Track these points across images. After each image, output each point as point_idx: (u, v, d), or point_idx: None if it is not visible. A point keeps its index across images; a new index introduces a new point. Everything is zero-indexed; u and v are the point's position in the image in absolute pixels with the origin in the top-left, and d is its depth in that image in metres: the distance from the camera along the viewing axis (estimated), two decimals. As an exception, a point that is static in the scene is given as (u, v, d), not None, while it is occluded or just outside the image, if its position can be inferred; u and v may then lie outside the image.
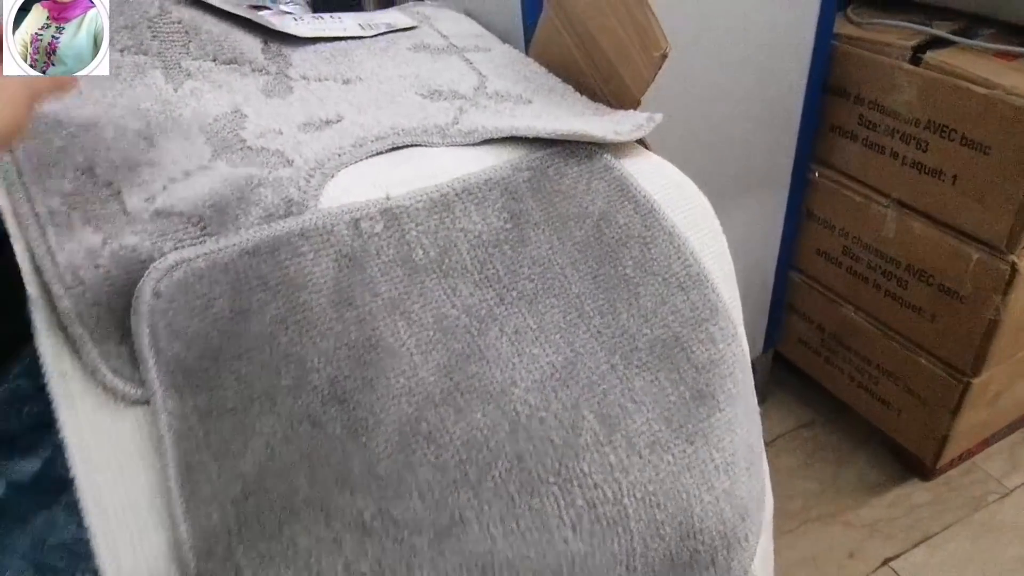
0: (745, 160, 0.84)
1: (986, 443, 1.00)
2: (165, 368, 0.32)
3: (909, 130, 0.75)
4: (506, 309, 0.38)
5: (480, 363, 0.36)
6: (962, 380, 0.80)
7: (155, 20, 0.46)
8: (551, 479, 0.34)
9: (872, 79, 0.77)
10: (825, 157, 0.87)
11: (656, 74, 0.48)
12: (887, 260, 0.83)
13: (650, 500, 0.36)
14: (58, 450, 0.30)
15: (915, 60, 0.73)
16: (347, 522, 0.31)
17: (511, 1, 0.64)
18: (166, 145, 0.40)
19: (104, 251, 0.34)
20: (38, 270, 0.33)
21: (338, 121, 0.45)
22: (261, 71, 0.49)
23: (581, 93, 0.53)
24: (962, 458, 0.99)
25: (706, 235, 0.45)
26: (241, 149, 0.41)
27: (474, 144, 0.45)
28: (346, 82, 0.50)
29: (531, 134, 0.43)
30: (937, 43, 0.74)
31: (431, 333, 0.36)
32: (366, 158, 0.43)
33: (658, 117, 0.47)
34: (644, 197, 0.43)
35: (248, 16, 0.50)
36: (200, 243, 0.35)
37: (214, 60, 0.47)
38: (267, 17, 0.52)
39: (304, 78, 0.50)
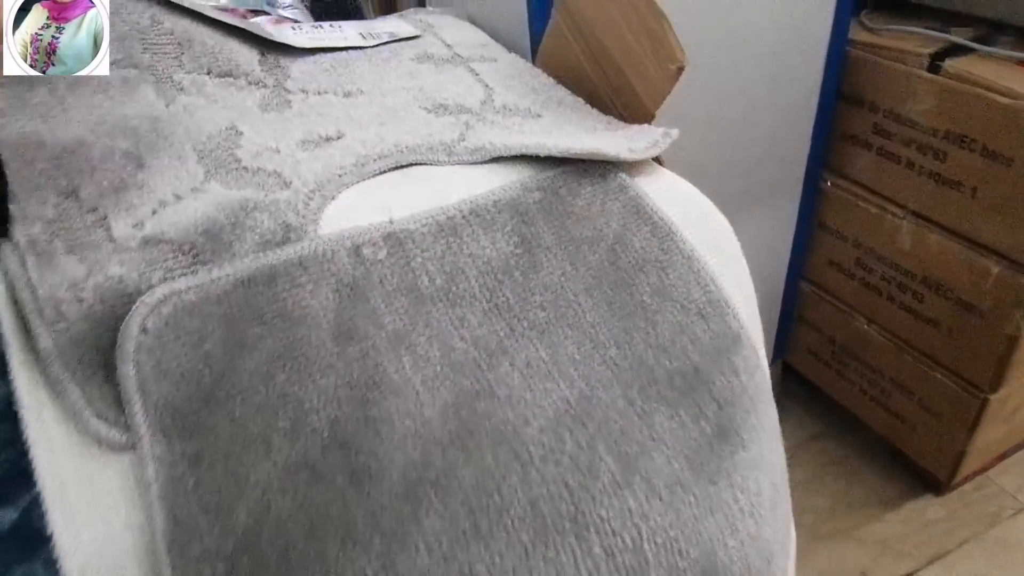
0: (756, 168, 0.82)
1: (1000, 457, 0.98)
2: (153, 411, 0.30)
3: (927, 140, 0.73)
4: (517, 340, 0.36)
5: (490, 400, 0.34)
6: (979, 396, 0.78)
7: (146, 31, 0.44)
8: (567, 526, 0.32)
9: (888, 87, 0.75)
10: (837, 166, 0.85)
11: (672, 88, 0.46)
12: (902, 273, 0.81)
13: (671, 546, 0.33)
14: (37, 500, 0.28)
15: (934, 68, 0.70)
16: (349, 579, 0.29)
17: (517, 8, 0.62)
18: (156, 166, 0.38)
19: (88, 283, 0.32)
20: (15, 303, 0.31)
21: (338, 138, 0.43)
22: (258, 84, 0.47)
23: (591, 105, 0.51)
24: (976, 472, 0.97)
25: (726, 258, 0.42)
26: (236, 169, 0.39)
27: (482, 162, 0.42)
28: (347, 95, 0.47)
29: (542, 152, 0.41)
30: (955, 50, 0.71)
31: (438, 368, 0.34)
32: (368, 178, 0.40)
33: (674, 133, 0.45)
34: (661, 219, 0.41)
35: (244, 26, 0.48)
36: (191, 273, 0.33)
37: (208, 73, 0.45)
38: (264, 27, 0.50)
39: (303, 91, 0.47)
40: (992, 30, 0.73)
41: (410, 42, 0.56)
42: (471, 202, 0.39)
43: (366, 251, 0.36)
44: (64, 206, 0.34)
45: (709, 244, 0.42)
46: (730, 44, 0.70)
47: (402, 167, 0.42)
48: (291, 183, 0.38)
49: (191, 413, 0.30)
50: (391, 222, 0.37)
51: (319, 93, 0.47)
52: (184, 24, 0.45)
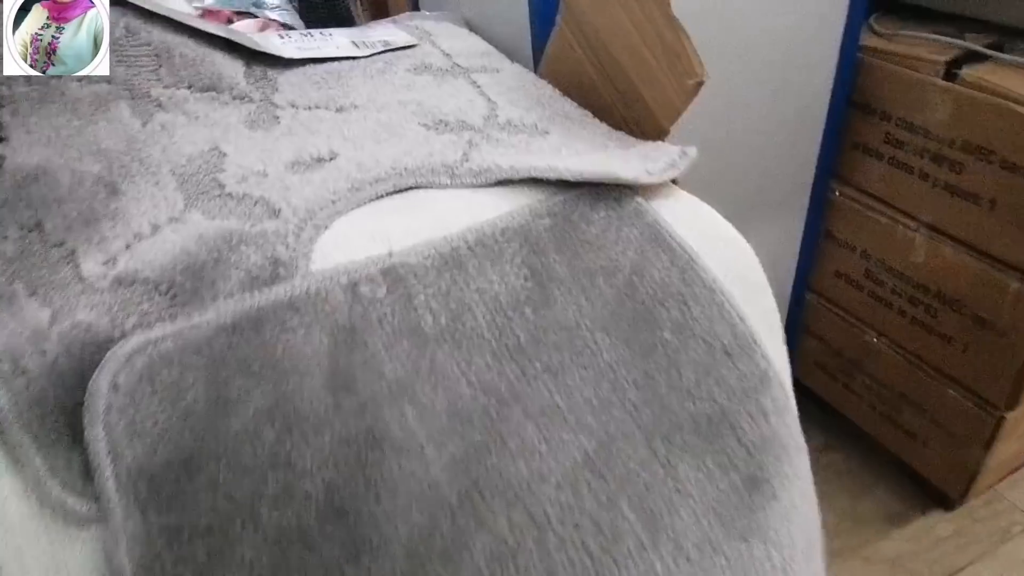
0: (762, 176, 0.79)
1: (1011, 471, 0.96)
2: (126, 479, 0.26)
3: (941, 150, 0.70)
4: (529, 385, 0.33)
5: (502, 455, 0.31)
6: (995, 414, 0.76)
7: (120, 42, 0.40)
8: (589, 597, 0.29)
9: (901, 95, 0.72)
10: (847, 175, 0.82)
11: (689, 104, 0.43)
12: (915, 286, 0.78)
13: (702, 614, 0.31)
14: (-6, 582, 0.25)
15: (950, 76, 0.68)
16: (348, 668, 0.25)
17: (518, 12, 0.59)
18: (131, 193, 0.34)
19: (52, 332, 0.28)
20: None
21: (331, 159, 0.39)
22: (243, 98, 0.43)
23: (599, 118, 0.48)
24: (985, 487, 0.95)
25: (751, 289, 0.39)
26: (219, 196, 0.35)
27: (487, 185, 0.39)
28: (339, 110, 0.44)
29: (552, 176, 0.38)
30: (971, 58, 0.69)
31: (444, 420, 0.31)
32: (364, 203, 0.37)
33: (692, 151, 0.42)
34: (681, 246, 0.38)
35: (228, 35, 0.44)
36: (169, 318, 0.29)
37: (189, 87, 0.42)
38: (250, 35, 0.46)
39: (292, 106, 0.44)
40: (1006, 36, 0.70)
41: (406, 51, 0.52)
42: (476, 230, 0.36)
43: (363, 288, 0.32)
44: (26, 241, 0.31)
45: (733, 274, 0.39)
46: (738, 49, 0.67)
47: (400, 191, 0.38)
48: (280, 211, 0.35)
49: (169, 481, 0.27)
50: (390, 255, 0.34)
51: (309, 108, 0.44)
52: (162, 34, 0.42)
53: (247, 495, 0.27)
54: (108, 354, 0.27)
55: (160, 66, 0.41)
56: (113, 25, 0.40)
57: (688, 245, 0.38)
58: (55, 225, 0.32)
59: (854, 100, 0.77)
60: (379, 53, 0.51)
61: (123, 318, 0.29)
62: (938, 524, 0.94)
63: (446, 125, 0.43)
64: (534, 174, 0.38)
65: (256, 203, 0.35)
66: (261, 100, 0.43)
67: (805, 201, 0.85)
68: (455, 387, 0.32)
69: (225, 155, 0.38)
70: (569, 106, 0.48)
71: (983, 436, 0.78)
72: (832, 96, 0.76)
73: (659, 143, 0.44)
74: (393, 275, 0.33)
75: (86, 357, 0.28)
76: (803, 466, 0.37)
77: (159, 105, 0.40)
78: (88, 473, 0.26)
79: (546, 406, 0.33)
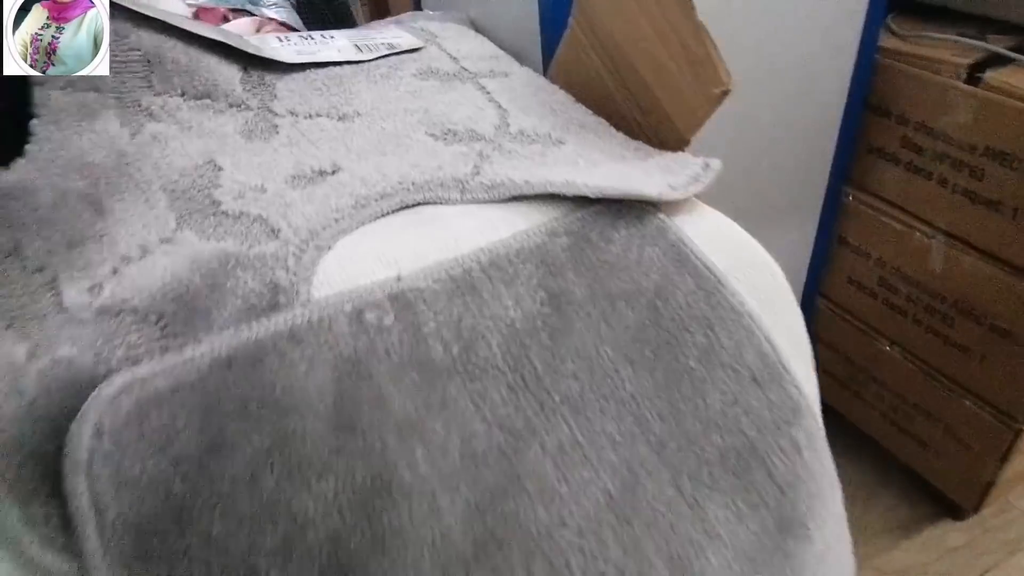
0: (775, 179, 0.77)
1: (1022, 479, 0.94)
2: (110, 533, 0.24)
3: (962, 156, 0.68)
4: (547, 419, 0.31)
5: (520, 497, 0.29)
6: (1013, 426, 0.74)
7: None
8: (615, 656, 0.27)
9: (920, 99, 0.70)
10: (861, 180, 0.80)
11: (712, 113, 0.40)
12: (931, 295, 0.76)
13: (734, 669, 0.28)
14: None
15: (972, 80, 0.65)
16: None
17: (527, 11, 0.56)
18: (119, 212, 0.32)
19: (31, 369, 0.26)
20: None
21: (333, 172, 0.37)
22: (240, 106, 0.41)
23: (615, 125, 0.46)
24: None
25: (781, 313, 0.37)
26: (215, 215, 0.33)
27: (500, 201, 0.37)
28: (342, 118, 0.42)
29: (570, 192, 0.36)
30: (993, 60, 0.66)
31: (457, 461, 0.28)
32: (369, 221, 0.35)
33: (716, 164, 0.39)
34: (706, 267, 0.36)
35: (223, 39, 0.42)
36: (159, 352, 0.27)
37: (182, 95, 0.39)
38: (247, 39, 0.44)
39: (292, 114, 0.41)
40: (1027, 37, 0.68)
41: (411, 54, 0.50)
42: (490, 251, 0.34)
43: (369, 316, 0.30)
44: (2, 266, 0.28)
45: (761, 296, 0.36)
46: (751, 49, 0.65)
47: (408, 207, 0.36)
48: (280, 231, 0.33)
49: (158, 534, 0.24)
50: (399, 278, 0.31)
51: (310, 116, 0.41)
52: (153, 38, 0.39)
53: (244, 549, 0.25)
54: (92, 395, 0.25)
55: (151, 72, 0.38)
56: (100, 28, 0.38)
57: (714, 266, 0.36)
58: (36, 250, 0.29)
59: (870, 103, 0.75)
60: (383, 56, 0.48)
61: (109, 352, 0.27)
62: (949, 534, 0.92)
63: (455, 135, 0.41)
64: (551, 189, 0.36)
65: (254, 222, 0.33)
66: (259, 108, 0.41)
67: (818, 206, 0.83)
68: (469, 424, 0.29)
69: (221, 169, 0.35)
70: (583, 113, 0.46)
71: (1000, 448, 0.76)
72: (848, 98, 0.74)
73: (679, 154, 0.42)
74: (401, 301, 0.31)
75: (67, 398, 0.25)
76: (837, 504, 0.35)
77: (150, 114, 0.37)
78: (69, 527, 0.24)
79: (565, 442, 0.30)
